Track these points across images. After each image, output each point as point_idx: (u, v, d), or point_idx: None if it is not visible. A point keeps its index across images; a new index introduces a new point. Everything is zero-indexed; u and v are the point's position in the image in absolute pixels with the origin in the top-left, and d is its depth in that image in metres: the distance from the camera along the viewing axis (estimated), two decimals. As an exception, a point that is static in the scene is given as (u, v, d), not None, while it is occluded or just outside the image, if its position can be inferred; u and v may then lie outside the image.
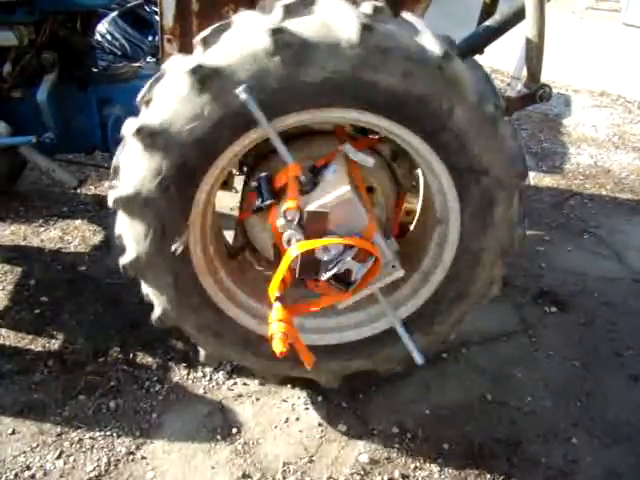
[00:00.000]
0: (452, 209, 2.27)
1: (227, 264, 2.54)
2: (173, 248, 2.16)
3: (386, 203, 2.59)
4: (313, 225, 2.12)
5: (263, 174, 2.29)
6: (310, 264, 2.12)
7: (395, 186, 2.60)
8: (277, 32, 1.90)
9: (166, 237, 2.17)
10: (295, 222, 2.10)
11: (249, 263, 2.75)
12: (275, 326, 2.09)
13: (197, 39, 2.05)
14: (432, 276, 2.43)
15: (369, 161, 2.30)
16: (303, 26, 1.93)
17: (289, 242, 2.13)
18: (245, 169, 2.74)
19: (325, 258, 2.12)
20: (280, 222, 2.15)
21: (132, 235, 2.19)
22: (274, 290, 2.17)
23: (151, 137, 2.01)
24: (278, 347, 2.04)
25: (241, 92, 1.90)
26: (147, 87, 2.13)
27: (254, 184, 2.30)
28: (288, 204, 2.10)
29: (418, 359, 2.37)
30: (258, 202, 2.25)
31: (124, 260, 2.26)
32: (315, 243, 2.10)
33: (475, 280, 2.39)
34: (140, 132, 2.02)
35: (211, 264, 2.41)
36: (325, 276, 2.14)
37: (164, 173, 2.05)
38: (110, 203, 2.17)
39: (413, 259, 2.50)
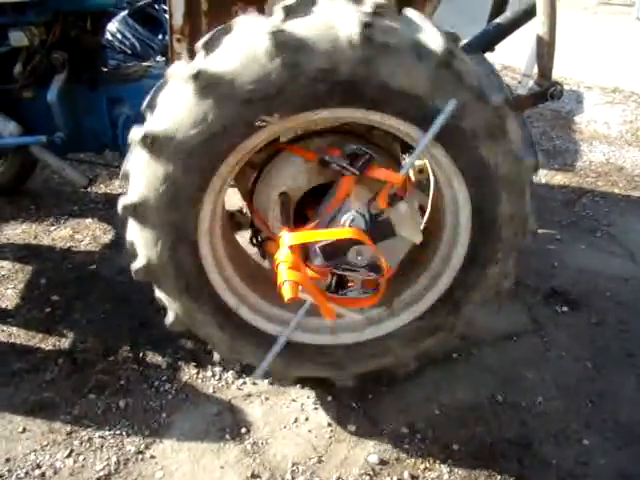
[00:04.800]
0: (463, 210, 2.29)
1: (238, 266, 2.53)
2: (258, 119, 2.07)
3: None
4: (378, 231, 2.21)
5: (370, 152, 2.26)
6: (335, 251, 2.18)
7: None
8: (277, 34, 1.89)
9: (176, 242, 2.18)
10: (369, 214, 2.19)
11: (239, 180, 2.66)
12: (285, 274, 2.13)
13: (199, 44, 2.04)
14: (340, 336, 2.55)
15: (421, 222, 2.45)
16: (303, 26, 1.92)
17: (351, 221, 2.19)
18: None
19: (351, 258, 2.19)
20: (358, 203, 2.21)
21: (142, 242, 2.20)
22: (296, 238, 2.20)
23: (156, 144, 2.01)
24: (287, 293, 2.09)
25: (452, 104, 1.97)
26: (151, 94, 2.14)
27: (353, 148, 2.27)
28: (380, 200, 2.19)
29: (258, 374, 2.50)
30: (341, 161, 2.25)
31: (135, 266, 2.27)
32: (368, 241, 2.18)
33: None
34: (145, 139, 2.02)
35: (221, 266, 2.40)
36: (336, 269, 2.22)
37: (171, 180, 2.05)
38: (119, 210, 2.18)
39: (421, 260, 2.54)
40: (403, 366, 2.66)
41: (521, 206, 2.25)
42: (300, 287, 2.15)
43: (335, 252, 2.19)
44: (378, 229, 2.21)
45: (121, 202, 2.17)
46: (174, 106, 2.01)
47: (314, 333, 2.54)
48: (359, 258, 2.20)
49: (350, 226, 2.20)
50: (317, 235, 2.20)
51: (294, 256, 2.18)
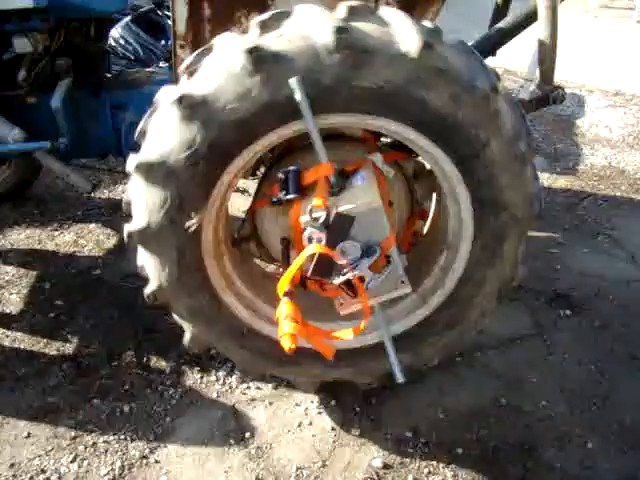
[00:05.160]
0: (465, 237, 2.30)
1: (233, 251, 2.53)
2: (187, 224, 2.10)
3: (399, 219, 2.57)
4: (338, 227, 2.13)
5: (292, 167, 2.23)
6: (325, 265, 2.13)
7: (410, 205, 2.61)
8: (341, 31, 1.90)
9: (181, 211, 2.12)
10: (320, 221, 2.10)
11: (250, 254, 2.70)
12: (287, 326, 2.08)
13: (254, 21, 2.02)
14: (430, 299, 2.47)
15: (391, 172, 2.34)
16: (367, 31, 1.94)
17: (310, 239, 2.12)
18: (261, 167, 2.75)
19: (341, 262, 2.12)
20: (304, 218, 2.15)
21: (146, 203, 2.12)
22: (284, 285, 2.16)
23: (191, 108, 1.97)
24: (287, 344, 2.05)
25: (294, 82, 1.89)
26: (193, 57, 2.10)
27: (281, 176, 2.24)
28: (316, 202, 2.11)
29: (399, 377, 2.37)
30: (281, 194, 2.22)
31: (131, 227, 2.19)
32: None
33: (472, 309, 2.44)
34: (181, 101, 1.97)
35: (218, 248, 2.37)
36: (337, 280, 2.14)
37: (196, 147, 2.00)
38: (130, 167, 2.10)
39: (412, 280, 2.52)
40: (509, 296, 2.52)
41: (487, 107, 2.04)
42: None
43: (326, 266, 2.13)
44: (337, 224, 2.13)
45: (134, 158, 2.10)
46: (219, 74, 1.97)
47: (406, 317, 2.49)
48: (350, 255, 2.14)
49: (309, 244, 2.13)
50: (292, 272, 2.14)
51: (292, 306, 2.13)
